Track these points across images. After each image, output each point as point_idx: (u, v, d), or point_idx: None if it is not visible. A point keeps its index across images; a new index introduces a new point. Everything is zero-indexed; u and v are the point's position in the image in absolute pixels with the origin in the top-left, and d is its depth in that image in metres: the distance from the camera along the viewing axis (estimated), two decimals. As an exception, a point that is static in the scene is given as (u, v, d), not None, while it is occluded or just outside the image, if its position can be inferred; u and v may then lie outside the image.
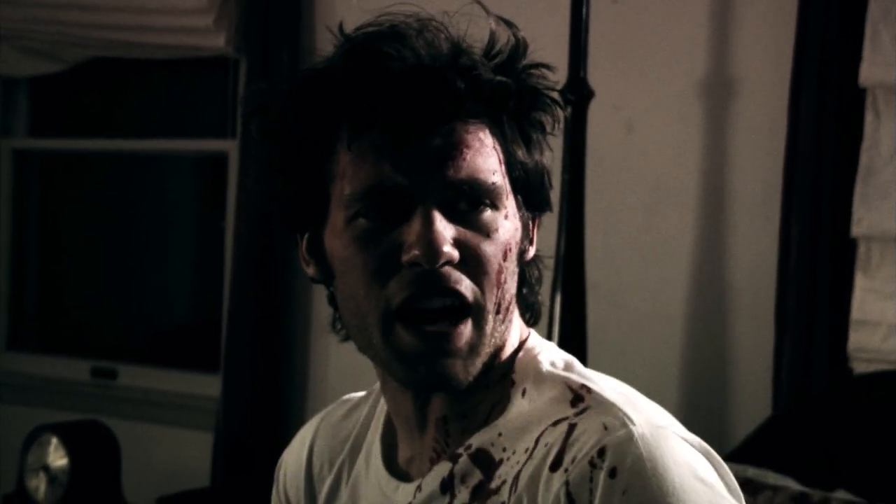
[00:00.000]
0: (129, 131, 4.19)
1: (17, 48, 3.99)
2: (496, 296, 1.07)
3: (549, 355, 1.13)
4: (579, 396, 1.06)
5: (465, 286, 1.05)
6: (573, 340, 2.61)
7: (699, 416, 2.88)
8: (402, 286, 1.04)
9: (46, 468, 3.20)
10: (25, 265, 4.33)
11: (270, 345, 3.50)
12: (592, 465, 1.00)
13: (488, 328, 1.07)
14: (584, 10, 2.65)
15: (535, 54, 1.11)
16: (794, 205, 2.70)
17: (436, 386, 1.08)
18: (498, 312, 1.07)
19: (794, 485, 2.36)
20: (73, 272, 4.39)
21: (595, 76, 2.69)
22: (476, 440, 1.09)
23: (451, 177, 1.05)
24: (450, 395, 1.10)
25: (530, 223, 1.14)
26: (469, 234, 1.05)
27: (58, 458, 3.19)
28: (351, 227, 1.06)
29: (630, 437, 1.00)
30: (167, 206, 4.32)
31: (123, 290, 4.32)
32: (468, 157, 1.05)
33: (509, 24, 1.10)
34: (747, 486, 2.32)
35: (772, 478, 2.37)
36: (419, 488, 1.11)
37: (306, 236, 1.14)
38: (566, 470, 1.01)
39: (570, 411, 1.05)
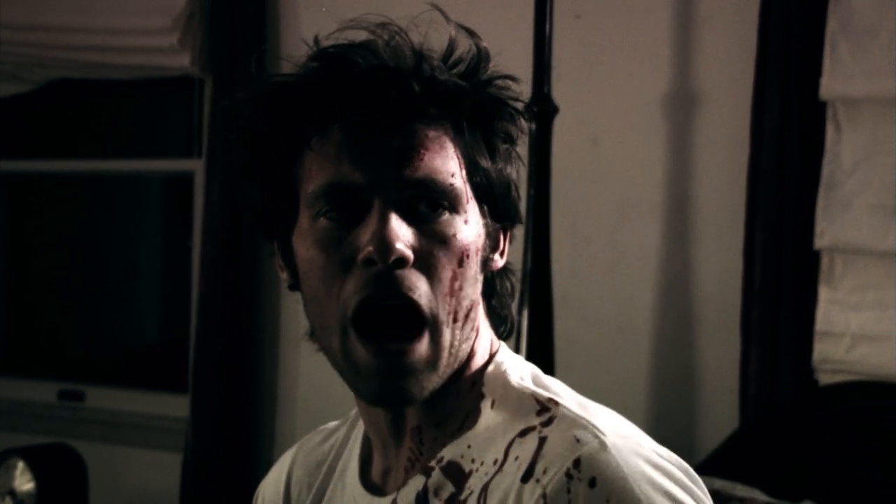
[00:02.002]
0: (95, 152, 4.17)
1: (-19, 70, 3.97)
2: (450, 304, 1.07)
3: (518, 369, 1.14)
4: (545, 407, 1.08)
5: (420, 293, 1.05)
6: (541, 354, 2.61)
7: (667, 428, 2.89)
8: (358, 287, 1.05)
9: (13, 493, 3.17)
10: (-9, 287, 4.30)
11: (239, 364, 3.49)
12: (569, 476, 1.01)
13: (445, 339, 1.07)
14: (547, 26, 2.66)
15: (498, 68, 1.13)
16: (757, 217, 2.72)
17: (390, 402, 1.09)
18: (455, 321, 1.08)
19: (761, 496, 2.37)
20: (39, 294, 4.36)
21: (560, 91, 2.70)
22: (448, 452, 1.10)
23: (408, 176, 1.06)
24: (423, 405, 1.11)
25: (500, 234, 1.15)
26: (425, 241, 1.06)
27: (24, 482, 3.16)
28: (313, 227, 1.08)
29: (604, 447, 1.02)
30: (134, 226, 4.31)
31: (90, 312, 4.29)
32: (426, 158, 1.07)
33: (471, 34, 1.12)
34: (715, 498, 2.33)
35: (739, 490, 2.38)
36: (394, 502, 1.12)
37: (280, 242, 1.15)
38: (538, 480, 1.02)
39: (537, 420, 1.06)
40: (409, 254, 1.04)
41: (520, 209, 1.17)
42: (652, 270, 2.96)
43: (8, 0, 3.79)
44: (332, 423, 1.31)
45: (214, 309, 3.47)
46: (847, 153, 2.67)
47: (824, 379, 2.70)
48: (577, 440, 1.02)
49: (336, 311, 1.06)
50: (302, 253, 1.09)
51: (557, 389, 1.12)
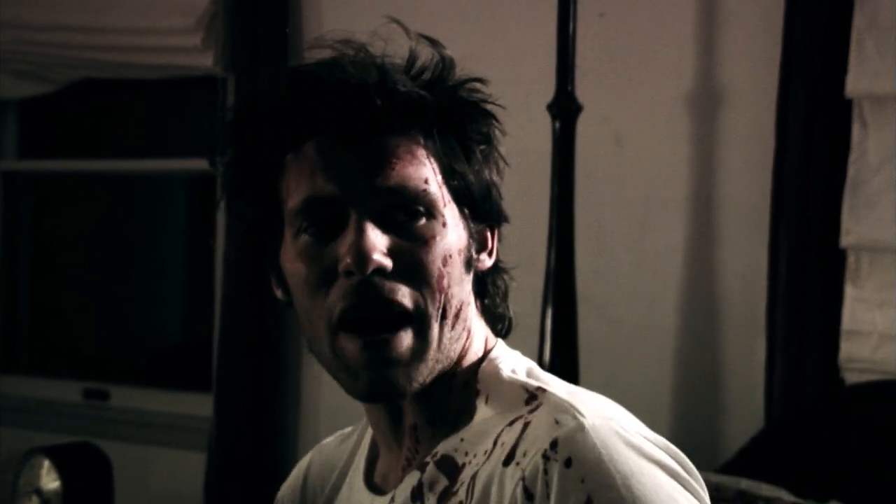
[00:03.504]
0: (118, 152, 4.19)
1: (6, 70, 3.98)
2: (438, 301, 1.09)
3: (511, 363, 1.16)
4: (533, 395, 1.10)
5: (402, 293, 1.08)
6: (565, 354, 2.60)
7: (692, 428, 2.88)
8: (340, 297, 1.08)
9: (39, 491, 3.18)
10: (17, 287, 4.31)
11: (262, 363, 3.49)
12: (546, 457, 1.02)
13: (433, 334, 1.10)
14: (571, 25, 2.65)
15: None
16: (783, 216, 2.70)
17: (378, 395, 1.11)
18: (444, 318, 1.10)
19: (787, 496, 2.36)
20: (64, 294, 4.38)
21: (583, 90, 2.69)
22: (442, 447, 1.12)
23: (381, 184, 1.09)
24: (418, 402, 1.14)
25: (486, 233, 1.17)
26: (405, 244, 1.09)
27: (50, 480, 3.17)
28: (296, 243, 1.11)
29: (581, 428, 1.03)
30: (157, 225, 4.32)
31: (115, 311, 4.31)
32: (397, 167, 1.10)
33: (434, 43, 1.15)
34: (741, 498, 2.32)
35: (765, 489, 2.37)
36: (392, 500, 1.15)
37: (273, 261, 1.18)
38: (517, 464, 1.03)
39: (525, 409, 1.08)
40: (387, 262, 1.07)
41: (502, 209, 1.19)
42: (676, 269, 2.95)
43: (32, 1, 3.81)
44: (348, 429, 1.35)
45: (238, 308, 3.48)
46: (873, 151, 2.65)
47: (850, 378, 2.68)
48: (557, 422, 1.04)
49: (323, 321, 1.09)
50: (288, 268, 1.13)
51: (548, 379, 1.13)
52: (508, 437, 1.06)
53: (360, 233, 1.07)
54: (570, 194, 2.65)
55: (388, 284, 1.07)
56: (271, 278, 1.20)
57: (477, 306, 1.18)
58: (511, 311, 1.22)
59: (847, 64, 2.65)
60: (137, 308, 4.30)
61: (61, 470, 3.17)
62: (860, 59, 2.64)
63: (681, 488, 1.03)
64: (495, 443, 1.08)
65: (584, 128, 2.69)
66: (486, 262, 1.18)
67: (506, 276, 1.21)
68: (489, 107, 1.16)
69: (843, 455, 2.50)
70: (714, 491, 2.31)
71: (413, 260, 1.08)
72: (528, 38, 2.94)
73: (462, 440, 1.11)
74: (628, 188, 3.02)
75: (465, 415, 1.13)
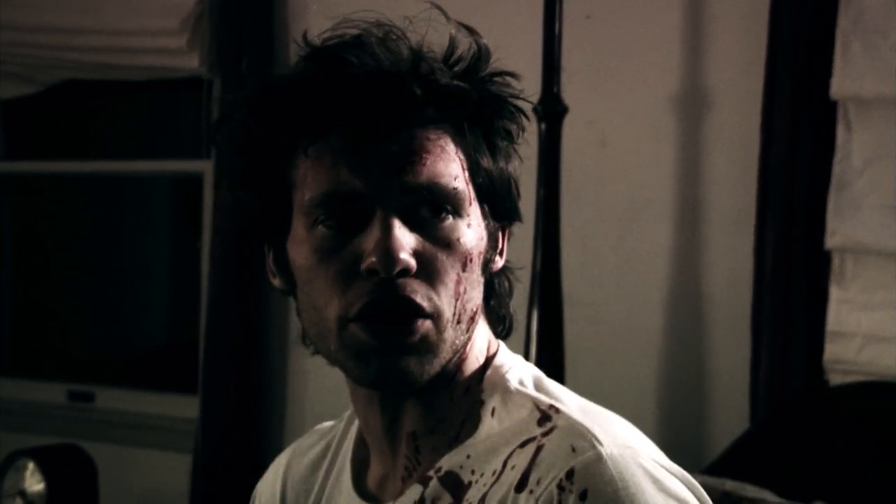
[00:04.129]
0: (103, 153, 4.18)
1: (-10, 71, 3.97)
2: (455, 307, 1.05)
3: (518, 372, 1.11)
4: (547, 416, 1.05)
5: (421, 295, 1.03)
6: (551, 355, 2.61)
7: (677, 429, 2.89)
8: (360, 295, 1.02)
9: (23, 493, 3.17)
10: (1, 289, 4.30)
11: (248, 365, 3.49)
12: (561, 488, 0.98)
13: (447, 335, 1.05)
14: (557, 26, 2.66)
15: (499, 65, 1.11)
16: (768, 217, 2.71)
17: (390, 382, 1.05)
18: (459, 322, 1.06)
19: (772, 497, 2.36)
20: (48, 295, 4.36)
21: (569, 92, 2.69)
22: (446, 462, 1.08)
23: (410, 181, 1.03)
24: (418, 407, 1.09)
25: (499, 233, 1.12)
26: (428, 245, 1.04)
27: (34, 482, 3.16)
28: (311, 235, 1.05)
29: (599, 458, 0.99)
30: (143, 227, 4.31)
31: (100, 313, 4.29)
32: (428, 163, 1.04)
33: (471, 31, 1.10)
34: (726, 499, 2.33)
35: (750, 490, 2.37)
36: None
37: (272, 247, 1.13)
38: (531, 491, 0.99)
39: (538, 431, 1.04)
40: (413, 263, 1.02)
41: (519, 207, 1.14)
42: (662, 271, 2.96)
43: (16, 1, 3.80)
44: (327, 424, 1.29)
45: (224, 310, 3.47)
46: (858, 153, 2.66)
47: (835, 379, 2.69)
48: (573, 449, 1.00)
49: (335, 315, 1.04)
50: (299, 260, 1.07)
51: (559, 394, 1.09)
52: (520, 461, 1.02)
53: (388, 231, 1.01)
54: (556, 196, 2.66)
55: (409, 285, 1.02)
56: (269, 265, 1.14)
57: (481, 307, 1.13)
58: (512, 312, 1.17)
59: (832, 66, 2.66)
60: (123, 309, 4.29)
61: (46, 472, 3.16)
62: (845, 60, 2.65)
63: None
64: (505, 464, 1.03)
65: (570, 129, 2.70)
66: (499, 262, 1.13)
67: (510, 276, 1.16)
68: (517, 103, 1.11)
69: (827, 456, 2.51)
70: (699, 492, 2.31)
71: (436, 264, 1.04)
72: (514, 39, 2.94)
73: (468, 457, 1.06)
74: (614, 189, 3.02)
75: (468, 425, 1.08)
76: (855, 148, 2.66)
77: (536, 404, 1.06)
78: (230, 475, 3.42)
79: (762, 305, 2.71)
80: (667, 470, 1.02)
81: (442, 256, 1.04)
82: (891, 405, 2.52)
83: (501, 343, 1.15)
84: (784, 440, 2.58)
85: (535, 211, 2.64)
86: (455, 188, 1.05)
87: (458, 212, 1.05)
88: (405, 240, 1.02)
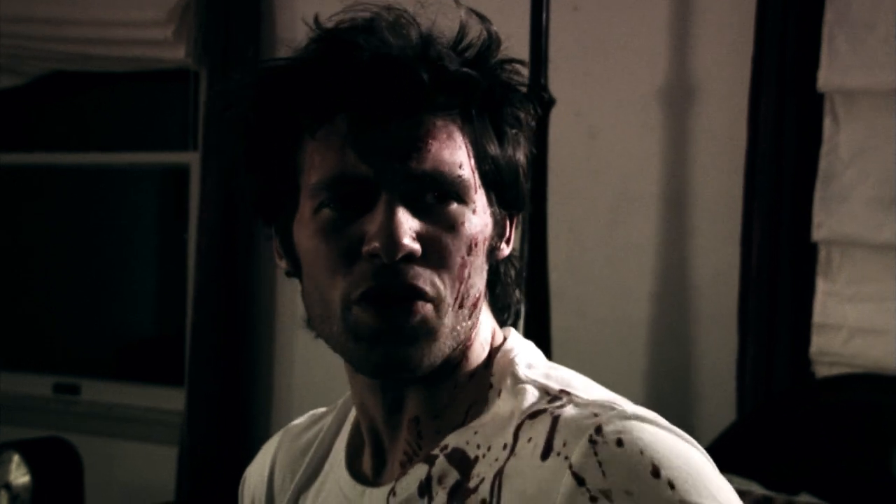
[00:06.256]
0: (90, 145, 4.17)
1: (-25, 62, 3.95)
2: (458, 290, 1.05)
3: (527, 357, 1.11)
4: (556, 397, 1.04)
5: (424, 280, 1.02)
6: (538, 348, 2.60)
7: (664, 422, 2.89)
8: (363, 278, 1.02)
9: (8, 486, 3.17)
10: (-14, 281, 4.29)
11: (234, 357, 3.48)
12: (593, 441, 0.97)
13: (448, 319, 1.04)
14: (544, 18, 2.65)
15: (506, 52, 1.10)
16: (755, 210, 2.71)
17: (392, 369, 1.04)
18: (461, 307, 1.05)
19: (758, 489, 2.37)
20: (34, 287, 4.35)
21: (556, 83, 2.69)
22: (452, 440, 1.07)
23: (415, 168, 1.03)
24: (420, 393, 1.09)
25: (507, 221, 1.12)
26: (432, 228, 1.03)
27: (20, 475, 3.16)
28: (316, 217, 1.05)
29: (624, 414, 0.99)
30: (129, 219, 4.30)
31: (86, 304, 4.28)
32: (433, 149, 1.04)
33: (482, 18, 1.10)
34: (713, 490, 2.33)
35: (736, 483, 2.37)
36: (393, 492, 1.08)
37: (279, 230, 1.12)
38: (559, 454, 0.98)
39: (548, 405, 1.03)
40: (417, 247, 1.02)
41: (526, 196, 1.13)
42: (649, 263, 2.96)
43: (2, -8, 3.79)
44: (320, 410, 1.28)
45: (210, 302, 3.46)
46: (844, 145, 2.66)
47: (821, 371, 2.70)
48: (595, 414, 0.99)
49: (338, 298, 1.04)
50: (304, 242, 1.07)
51: (571, 380, 1.08)
52: (536, 432, 1.01)
53: (391, 216, 1.01)
54: (543, 188, 2.66)
55: (413, 270, 1.02)
56: (275, 248, 1.13)
57: (486, 295, 1.11)
58: (517, 300, 1.16)
59: (819, 58, 2.66)
60: (109, 302, 4.28)
61: (31, 465, 3.15)
62: (831, 54, 2.66)
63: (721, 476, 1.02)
64: (516, 436, 1.02)
65: (557, 121, 2.69)
66: (505, 250, 1.12)
67: (516, 264, 1.15)
68: (528, 90, 1.11)
69: (813, 448, 2.52)
70: (686, 484, 2.32)
71: (440, 246, 1.03)
72: (501, 30, 2.94)
73: (475, 433, 1.06)
74: (601, 182, 3.03)
75: (475, 409, 1.08)
76: (841, 140, 2.67)
77: (546, 389, 1.06)
78: (216, 467, 3.42)
79: (749, 297, 2.71)
80: (689, 440, 1.03)
81: (446, 240, 1.04)
82: (876, 397, 2.53)
83: (513, 330, 1.15)
84: (770, 432, 2.58)
85: (522, 203, 2.63)
86: (459, 176, 1.05)
87: (462, 199, 1.05)
88: (408, 224, 1.02)
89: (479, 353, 1.11)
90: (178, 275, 3.78)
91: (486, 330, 1.12)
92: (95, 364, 4.11)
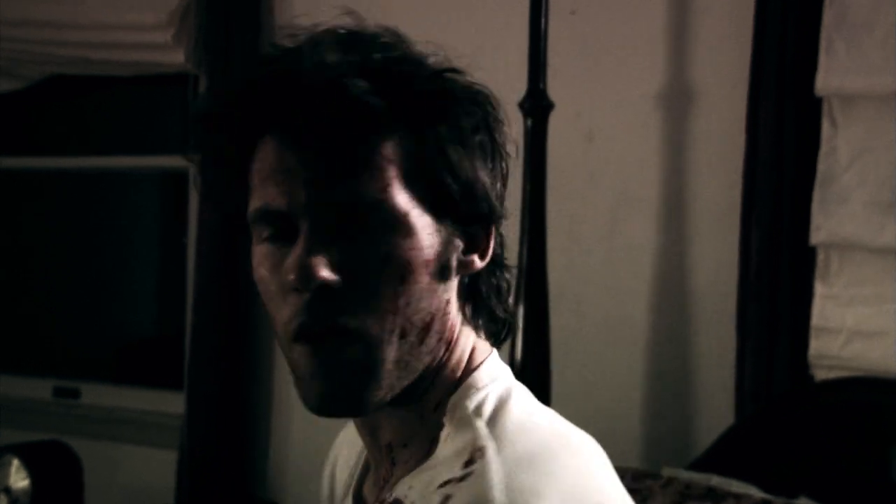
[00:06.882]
0: (90, 149, 4.17)
1: (-25, 66, 3.96)
2: (394, 322, 1.01)
3: (482, 394, 1.06)
4: (471, 459, 0.98)
5: (349, 315, 1.00)
6: (537, 350, 2.61)
7: (662, 424, 2.89)
8: (293, 313, 1.01)
9: (8, 490, 3.17)
10: (-14, 284, 4.29)
11: (234, 360, 3.48)
12: None
13: (389, 353, 1.01)
14: (542, 22, 2.66)
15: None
16: (753, 212, 2.71)
17: (332, 409, 1.03)
18: (403, 337, 1.01)
19: (757, 492, 2.37)
20: (34, 290, 4.35)
21: (555, 87, 2.70)
22: (399, 487, 1.04)
23: (329, 198, 1.00)
24: (391, 421, 1.07)
25: (481, 233, 1.08)
26: (355, 258, 1.00)
27: (19, 479, 3.16)
28: (258, 248, 1.05)
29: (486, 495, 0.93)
30: (129, 222, 4.30)
31: (86, 308, 4.28)
32: (353, 176, 1.00)
33: (401, 37, 1.06)
34: (710, 494, 2.33)
35: (735, 486, 2.38)
36: None
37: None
38: None
39: (459, 473, 0.98)
40: (332, 277, 0.99)
41: (494, 205, 1.07)
42: (648, 266, 2.96)
43: (1, -4, 3.79)
44: None
45: (210, 305, 3.46)
46: (843, 148, 2.67)
47: (820, 375, 2.70)
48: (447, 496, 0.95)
49: (283, 334, 1.03)
50: (256, 269, 1.06)
51: (511, 428, 1.02)
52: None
53: (305, 249, 0.99)
54: (542, 191, 2.66)
55: (335, 304, 0.99)
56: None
57: (466, 310, 1.08)
58: (509, 313, 1.12)
59: (817, 62, 2.66)
60: (109, 305, 4.28)
61: (31, 468, 3.15)
62: (830, 57, 2.66)
63: None
64: None
65: (556, 125, 2.70)
66: (478, 263, 1.07)
67: (500, 276, 1.11)
68: (476, 97, 1.05)
69: (812, 451, 2.52)
70: (684, 488, 2.32)
71: (364, 277, 0.99)
72: (500, 34, 2.94)
73: (410, 487, 1.01)
74: (600, 185, 3.03)
75: (434, 444, 1.04)
76: (840, 144, 2.67)
77: (474, 440, 1.01)
78: (216, 471, 3.42)
79: (747, 300, 2.71)
80: None
81: (372, 272, 1.00)
82: (875, 400, 2.53)
83: (494, 352, 1.11)
84: (769, 435, 2.58)
85: (521, 206, 2.64)
86: (380, 200, 1.00)
87: (388, 224, 1.01)
88: (322, 256, 0.99)
89: (450, 378, 1.07)
90: (178, 278, 3.78)
91: (459, 352, 1.08)
92: (95, 367, 4.11)
